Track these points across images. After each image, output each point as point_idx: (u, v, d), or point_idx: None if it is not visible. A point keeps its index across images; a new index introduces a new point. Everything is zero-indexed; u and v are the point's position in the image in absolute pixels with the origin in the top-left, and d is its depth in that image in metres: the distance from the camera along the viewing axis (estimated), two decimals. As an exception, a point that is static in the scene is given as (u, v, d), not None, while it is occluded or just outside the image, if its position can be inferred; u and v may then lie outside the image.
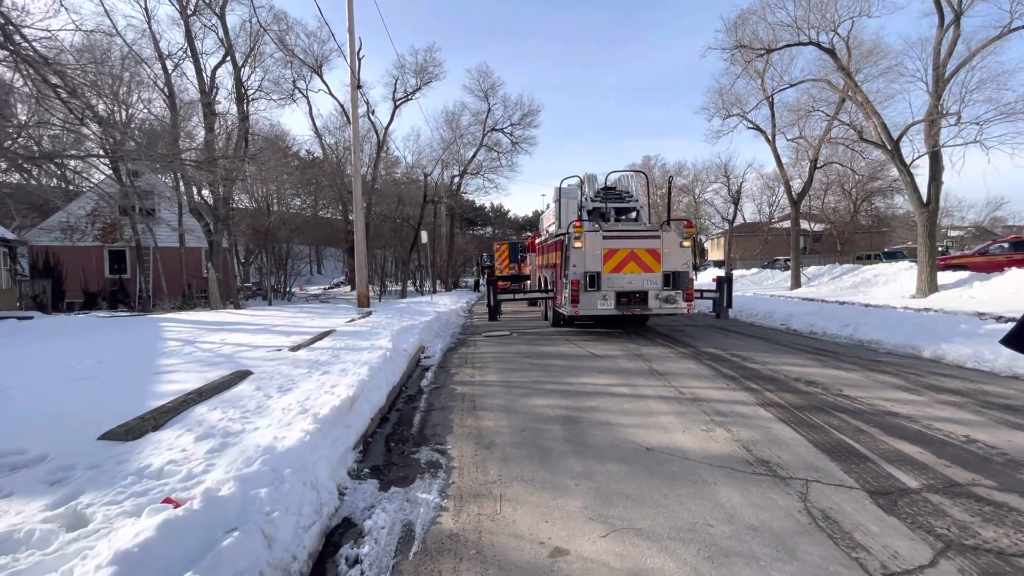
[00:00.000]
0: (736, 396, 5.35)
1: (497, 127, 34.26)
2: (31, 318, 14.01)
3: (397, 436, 4.46)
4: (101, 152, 6.51)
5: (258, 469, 2.77)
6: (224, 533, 2.21)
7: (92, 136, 7.00)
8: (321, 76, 28.83)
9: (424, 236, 21.62)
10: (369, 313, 13.00)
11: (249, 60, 20.46)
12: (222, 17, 18.30)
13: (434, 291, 30.07)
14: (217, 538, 2.17)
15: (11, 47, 4.03)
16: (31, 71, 4.28)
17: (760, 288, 26.02)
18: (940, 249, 23.25)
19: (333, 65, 30.37)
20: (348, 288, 35.02)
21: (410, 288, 32.75)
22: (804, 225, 37.40)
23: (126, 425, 3.67)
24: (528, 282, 17.65)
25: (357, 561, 2.50)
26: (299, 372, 5.60)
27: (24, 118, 6.65)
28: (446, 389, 6.12)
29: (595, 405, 5.13)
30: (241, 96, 19.39)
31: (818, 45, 18.47)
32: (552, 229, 13.40)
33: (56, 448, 3.33)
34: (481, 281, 32.63)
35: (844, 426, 4.30)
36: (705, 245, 56.75)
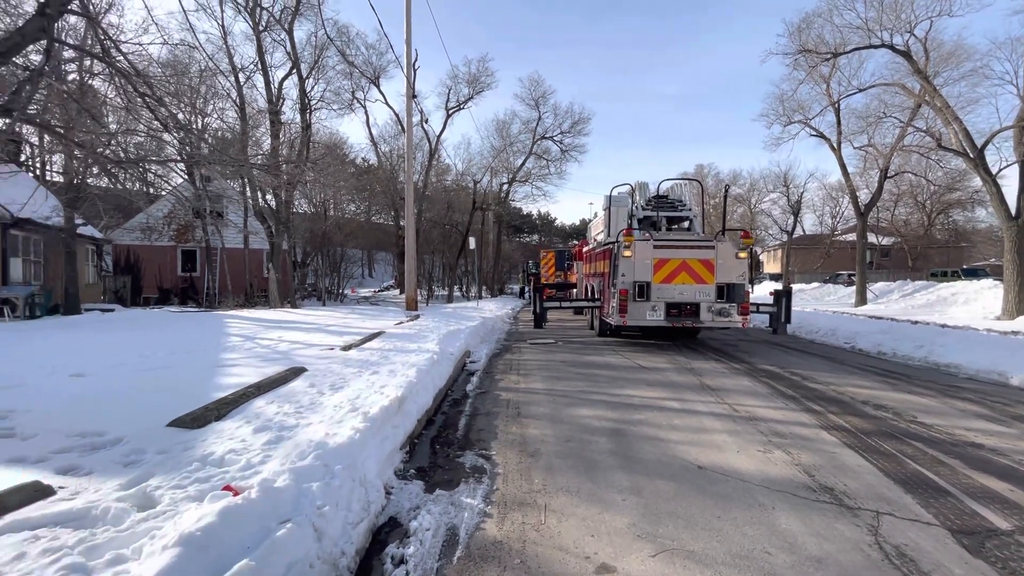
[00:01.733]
0: (796, 417, 5.05)
1: (547, 135, 34.38)
2: (112, 311, 15.24)
3: (442, 439, 4.50)
4: (179, 157, 7.07)
5: (311, 463, 2.85)
6: (278, 524, 2.28)
7: (172, 143, 7.55)
8: (378, 87, 29.93)
9: (472, 242, 21.85)
10: (417, 316, 13.26)
11: (313, 72, 21.52)
12: (290, 32, 19.37)
13: (480, 297, 30.35)
14: (272, 528, 2.24)
15: (108, 60, 4.45)
16: (123, 83, 4.71)
17: (821, 304, 24.63)
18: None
19: (390, 76, 31.43)
20: (397, 291, 35.94)
21: (456, 293, 33.21)
22: (871, 238, 35.13)
23: (192, 414, 3.89)
24: (574, 290, 17.51)
25: (403, 561, 2.52)
26: (350, 371, 5.76)
27: (114, 127, 7.23)
28: (491, 395, 6.13)
29: (643, 419, 4.98)
30: (305, 106, 20.39)
31: (892, 48, 17.40)
32: (601, 237, 13.24)
33: (130, 432, 3.56)
34: (527, 288, 32.67)
35: (920, 456, 3.96)
36: (760, 257, 54.42)
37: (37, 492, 2.61)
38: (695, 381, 6.80)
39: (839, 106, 21.71)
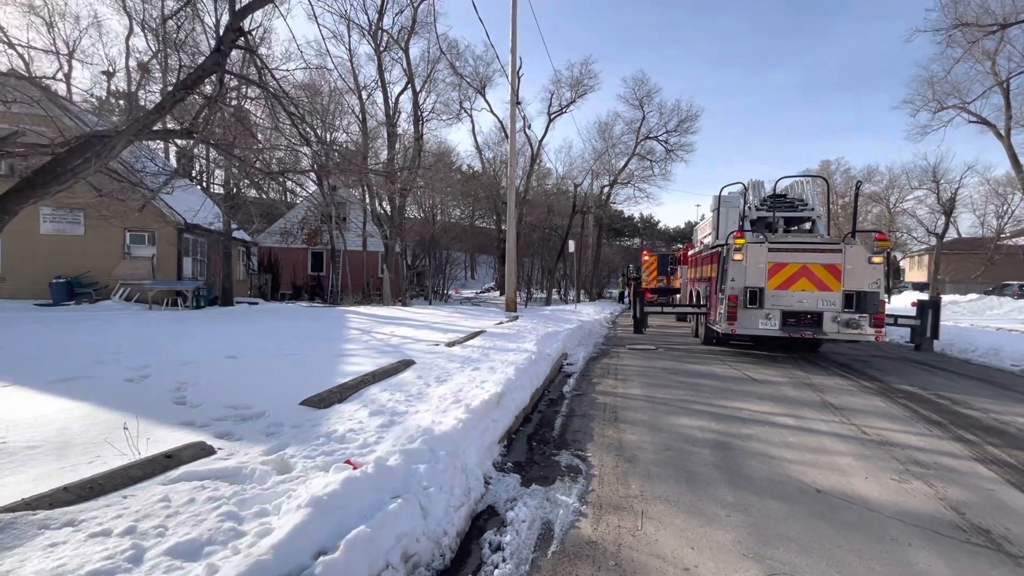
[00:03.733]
0: (942, 446, 4.39)
1: (651, 135, 33.34)
2: (257, 304, 17.53)
3: (538, 437, 4.57)
4: (313, 169, 8.03)
5: (419, 447, 3.07)
6: (390, 498, 2.50)
7: (306, 156, 8.55)
8: (484, 96, 31.07)
9: (571, 245, 21.87)
10: (516, 317, 13.56)
11: (425, 85, 23.04)
12: (406, 50, 20.97)
13: (578, 300, 30.17)
14: (385, 501, 2.47)
15: (263, 85, 5.23)
16: (274, 104, 5.49)
17: (979, 318, 20.96)
18: None
19: (495, 84, 32.68)
20: (497, 293, 36.98)
21: (554, 296, 33.35)
22: (1053, 242, 29.12)
23: (319, 395, 4.38)
24: (677, 296, 16.75)
25: (500, 548, 2.62)
26: (453, 366, 6.08)
27: (261, 144, 8.35)
28: (587, 397, 6.10)
29: (752, 433, 4.64)
30: (417, 118, 21.90)
31: (1086, 11, 14.37)
32: (708, 240, 12.54)
33: (270, 407, 4.10)
34: (626, 292, 31.87)
35: (1115, 505, 3.24)
36: (901, 263, 47.64)
37: (202, 450, 3.12)
38: (815, 398, 6.18)
39: (1008, 86, 18.40)
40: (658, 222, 75.93)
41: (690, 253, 15.25)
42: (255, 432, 3.59)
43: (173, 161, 18.69)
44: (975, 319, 20.63)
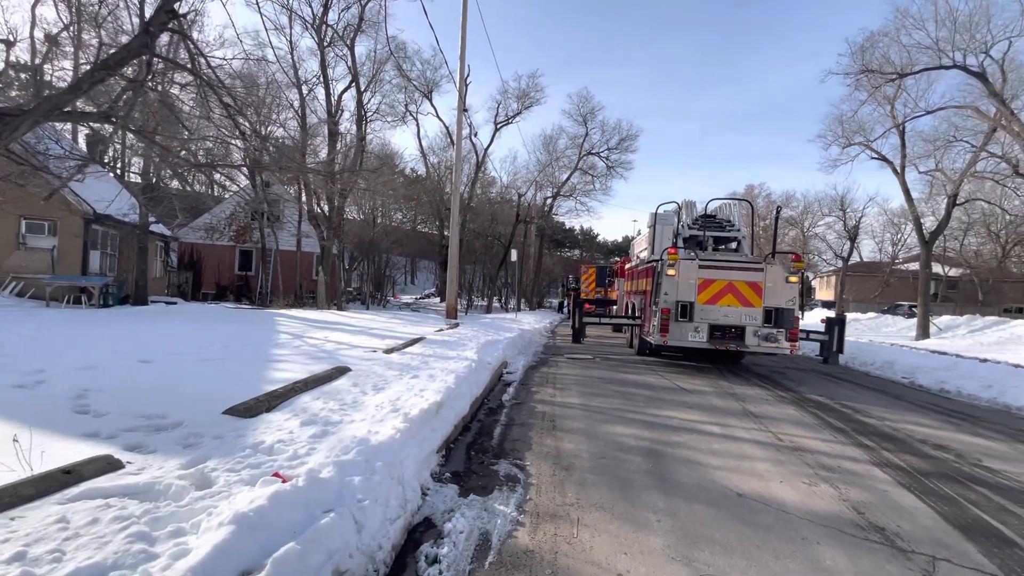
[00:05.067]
0: (846, 451, 4.81)
1: (593, 151, 34.46)
2: (175, 303, 16.24)
3: (478, 446, 4.55)
4: (245, 163, 7.58)
5: (353, 458, 2.96)
6: (322, 512, 2.39)
7: (239, 149, 8.08)
8: (431, 100, 30.86)
9: (513, 254, 22.09)
10: (456, 325, 13.46)
11: (371, 86, 22.49)
12: (352, 48, 20.38)
13: (519, 309, 30.44)
14: (316, 516, 2.35)
15: (195, 72, 4.88)
16: (206, 92, 5.15)
17: (877, 335, 23.28)
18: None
19: (443, 90, 32.41)
20: (438, 299, 36.52)
21: (495, 304, 33.44)
22: (936, 269, 32.99)
23: (245, 404, 4.12)
24: (615, 307, 17.33)
25: (436, 561, 2.57)
26: (391, 373, 5.93)
27: (188, 133, 7.81)
28: (527, 406, 6.15)
29: (681, 441, 4.87)
30: (361, 118, 21.31)
31: (965, 69, 16.54)
32: (644, 255, 13.09)
33: (189, 417, 3.81)
34: (566, 303, 32.56)
35: (984, 502, 3.69)
36: (812, 283, 52.07)
37: (108, 465, 2.84)
38: (737, 406, 6.58)
39: (904, 128, 20.71)
40: (598, 235, 78.22)
41: (627, 267, 15.85)
42: (171, 444, 3.31)
43: (82, 144, 16.98)
44: (873, 335, 22.89)
